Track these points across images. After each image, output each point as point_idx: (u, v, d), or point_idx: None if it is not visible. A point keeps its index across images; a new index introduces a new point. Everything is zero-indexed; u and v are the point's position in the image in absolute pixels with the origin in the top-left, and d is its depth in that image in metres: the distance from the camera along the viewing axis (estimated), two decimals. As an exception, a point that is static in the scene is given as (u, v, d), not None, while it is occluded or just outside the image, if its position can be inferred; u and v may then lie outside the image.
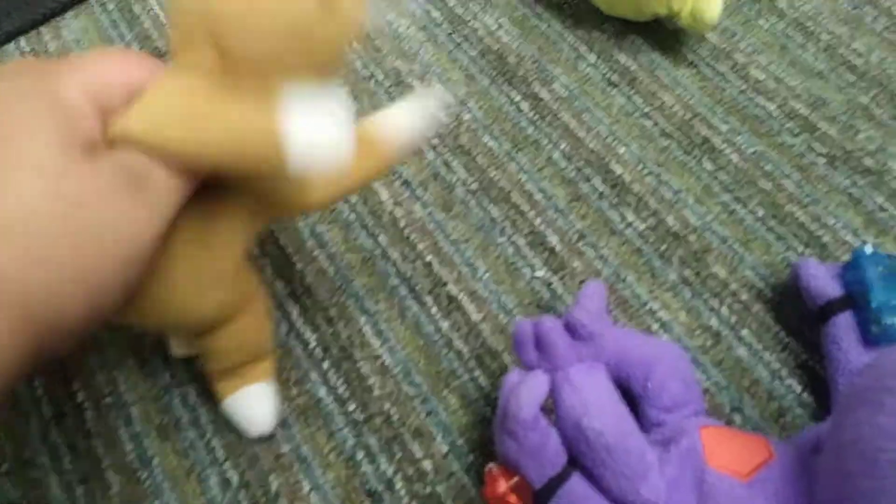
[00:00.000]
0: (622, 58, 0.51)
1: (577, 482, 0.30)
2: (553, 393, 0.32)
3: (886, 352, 0.30)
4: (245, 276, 0.32)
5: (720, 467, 0.31)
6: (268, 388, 0.35)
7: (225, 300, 0.30)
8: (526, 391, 0.31)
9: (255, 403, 0.35)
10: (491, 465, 0.31)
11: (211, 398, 0.36)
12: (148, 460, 0.35)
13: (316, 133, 0.26)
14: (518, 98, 0.49)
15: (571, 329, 0.33)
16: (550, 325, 0.33)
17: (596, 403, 0.31)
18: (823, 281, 0.38)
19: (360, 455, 0.35)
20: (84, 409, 0.36)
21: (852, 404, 0.29)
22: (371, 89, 0.49)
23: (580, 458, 0.30)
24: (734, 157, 0.46)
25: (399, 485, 0.35)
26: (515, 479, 0.31)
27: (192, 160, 0.25)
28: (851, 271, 0.37)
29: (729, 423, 0.37)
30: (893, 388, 0.27)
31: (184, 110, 0.25)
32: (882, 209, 0.44)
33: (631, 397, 0.34)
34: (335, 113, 0.27)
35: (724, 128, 0.48)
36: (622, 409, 0.31)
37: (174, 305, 0.29)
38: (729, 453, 0.31)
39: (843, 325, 0.36)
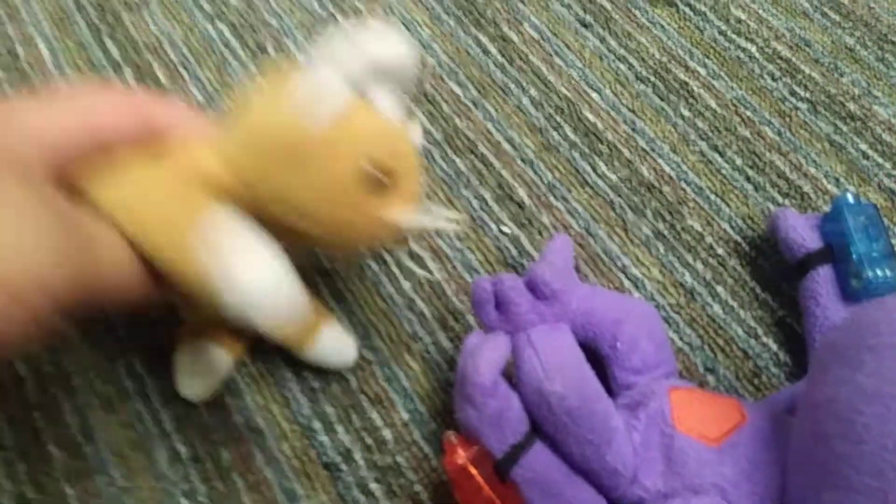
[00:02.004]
0: (593, 3, 0.48)
1: (540, 450, 0.29)
2: (514, 355, 0.30)
3: (867, 306, 0.28)
4: None
5: (689, 431, 0.29)
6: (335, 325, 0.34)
7: None
8: (484, 355, 0.29)
9: (336, 342, 0.34)
10: (449, 434, 0.30)
11: (159, 366, 0.34)
12: (91, 433, 0.33)
13: (256, 282, 0.24)
14: (486, 40, 0.46)
15: (533, 287, 0.31)
16: (511, 283, 0.31)
17: (558, 366, 0.29)
18: (802, 232, 0.36)
19: (316, 425, 0.34)
20: (23, 380, 0.34)
21: (829, 362, 0.27)
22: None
23: (543, 424, 0.29)
24: (712, 103, 0.44)
25: (357, 455, 0.33)
26: (475, 448, 0.29)
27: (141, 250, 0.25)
28: (831, 222, 0.35)
29: (702, 384, 0.35)
30: (875, 345, 0.25)
31: (158, 211, 0.25)
32: (865, 156, 0.42)
33: (599, 358, 0.33)
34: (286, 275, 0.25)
35: (702, 71, 0.45)
36: (586, 372, 0.30)
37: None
38: (698, 417, 0.30)
39: (822, 279, 0.35)
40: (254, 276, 0.24)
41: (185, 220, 0.25)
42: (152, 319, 0.35)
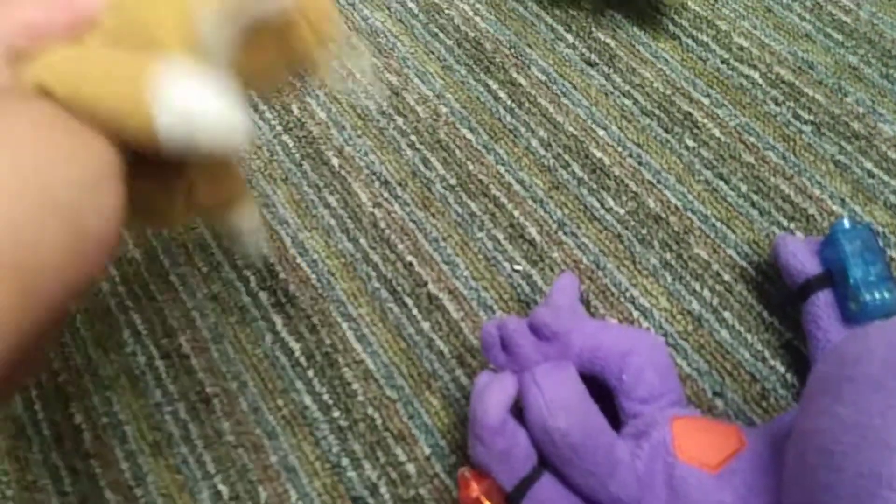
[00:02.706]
0: (601, 35, 0.50)
1: (547, 482, 0.31)
2: (521, 394, 0.32)
3: (850, 337, 0.29)
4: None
5: (689, 459, 0.31)
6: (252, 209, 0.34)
7: None
8: (492, 396, 0.32)
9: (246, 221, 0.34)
10: (463, 470, 0.32)
11: (200, 414, 0.38)
12: (143, 477, 0.36)
13: (189, 101, 0.24)
14: (495, 86, 0.49)
15: (537, 329, 0.33)
16: (514, 326, 0.33)
17: (560, 403, 0.31)
18: (802, 258, 0.37)
19: (345, 461, 0.36)
20: (81, 430, 0.38)
21: (814, 392, 0.29)
22: (349, 88, 0.49)
23: (549, 458, 0.31)
24: (716, 132, 0.45)
25: (383, 489, 0.35)
26: (487, 482, 0.31)
27: (81, 110, 0.24)
28: (829, 247, 0.36)
29: (711, 408, 0.37)
30: (853, 376, 0.27)
31: (77, 61, 0.24)
32: (871, 175, 0.43)
33: (607, 390, 0.34)
34: (214, 88, 0.24)
35: (705, 101, 0.47)
36: (589, 407, 0.32)
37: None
38: (698, 445, 0.31)
39: (823, 304, 0.36)
40: (199, 94, 0.24)
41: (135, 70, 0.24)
42: (193, 368, 0.39)
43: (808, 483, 0.27)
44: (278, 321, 0.41)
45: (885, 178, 0.43)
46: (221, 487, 0.36)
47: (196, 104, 0.24)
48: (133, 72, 0.24)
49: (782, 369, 0.38)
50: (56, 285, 0.22)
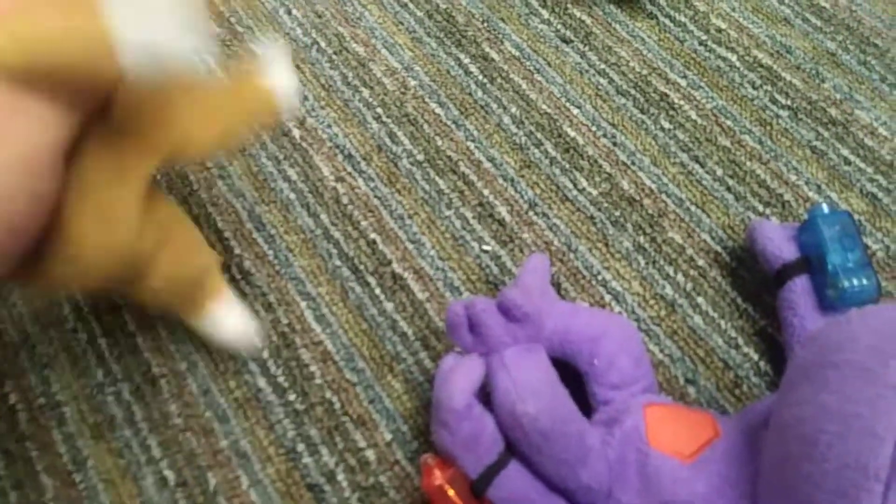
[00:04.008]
0: (577, 12, 0.49)
1: (514, 470, 0.29)
2: (489, 377, 0.30)
3: (834, 323, 0.28)
4: (155, 207, 0.30)
5: (663, 448, 0.30)
6: (230, 303, 0.35)
7: (137, 231, 0.28)
8: (458, 380, 0.30)
9: (225, 319, 0.34)
10: (426, 456, 0.30)
11: (145, 395, 0.35)
12: (82, 462, 0.34)
13: (149, 31, 0.23)
14: (467, 60, 0.47)
15: (506, 310, 0.31)
16: (483, 306, 0.31)
17: (530, 387, 0.29)
18: (779, 243, 0.36)
19: (300, 447, 0.34)
20: (16, 410, 0.35)
21: (795, 380, 0.27)
22: (313, 57, 0.47)
23: (517, 445, 0.29)
24: (692, 114, 0.44)
25: (341, 476, 0.34)
26: (451, 469, 0.30)
27: (37, 66, 0.23)
28: (807, 233, 0.35)
29: (683, 395, 0.35)
30: (837, 363, 0.26)
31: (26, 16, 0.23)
32: (847, 162, 0.42)
33: (578, 375, 0.33)
34: (173, 18, 0.24)
35: (682, 82, 0.46)
36: (560, 392, 0.30)
37: (90, 249, 0.27)
38: (672, 434, 0.30)
39: (800, 290, 0.35)
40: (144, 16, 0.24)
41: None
42: (139, 347, 0.36)
43: (788, 474, 0.25)
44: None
45: (862, 165, 0.42)
46: (167, 473, 0.34)
47: (153, 29, 0.23)
48: (83, 14, 0.23)
49: (756, 357, 0.37)
50: None
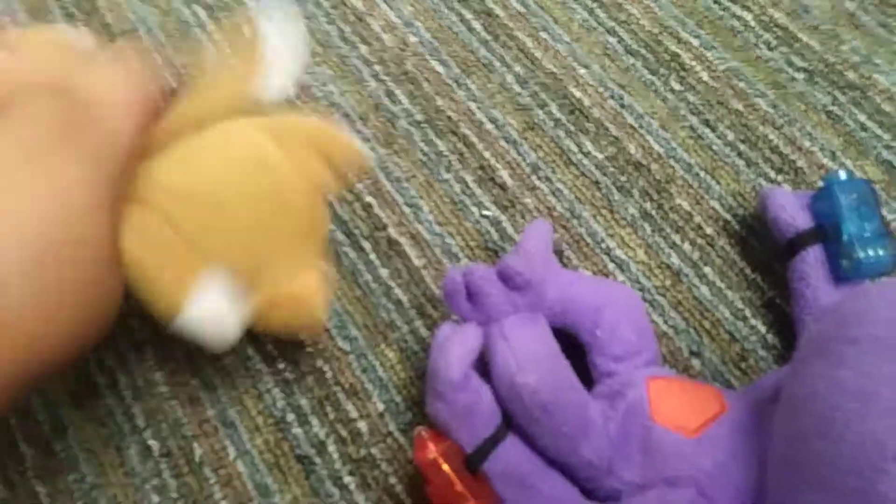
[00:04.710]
0: (584, -33, 0.46)
1: (512, 444, 0.28)
2: (487, 347, 0.29)
3: (850, 296, 0.27)
4: None
5: (667, 422, 0.28)
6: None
7: None
8: (454, 349, 0.29)
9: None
10: (420, 429, 0.29)
11: (129, 362, 0.34)
12: (63, 430, 0.33)
13: (211, 317, 0.28)
14: (469, 16, 0.45)
15: (506, 278, 0.30)
16: (482, 273, 0.30)
17: (531, 358, 0.28)
18: (792, 211, 0.34)
19: (290, 417, 0.33)
20: (-4, 376, 0.34)
21: (811, 355, 0.26)
22: (309, 11, 0.45)
23: (515, 418, 0.28)
24: (704, 75, 0.42)
25: (332, 448, 0.32)
26: (446, 443, 0.28)
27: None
28: (822, 200, 0.34)
29: (687, 368, 0.34)
30: (857, 338, 0.24)
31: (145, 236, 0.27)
32: (864, 128, 0.40)
33: (579, 346, 0.32)
34: (234, 308, 0.29)
35: (694, 42, 0.44)
36: (561, 364, 0.29)
37: None
38: (677, 407, 0.29)
39: (813, 260, 0.33)
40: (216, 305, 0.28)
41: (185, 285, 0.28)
42: (122, 312, 0.35)
43: (800, 452, 0.24)
44: (221, 262, 0.37)
45: (879, 131, 0.40)
46: (151, 442, 0.33)
47: (212, 321, 0.28)
48: (182, 276, 0.27)
49: (763, 329, 0.35)
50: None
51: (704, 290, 0.36)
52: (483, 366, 0.29)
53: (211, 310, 0.28)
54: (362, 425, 0.33)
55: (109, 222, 0.25)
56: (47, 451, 0.32)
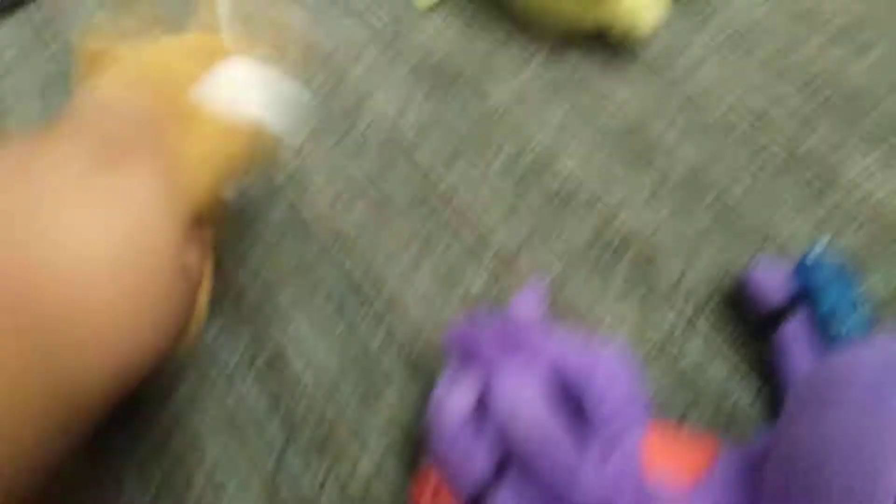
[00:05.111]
0: (566, 66, 0.50)
1: (507, 491, 0.28)
2: (484, 394, 0.30)
3: (834, 358, 0.28)
4: None
5: (660, 471, 0.29)
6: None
7: None
8: (453, 398, 0.29)
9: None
10: (418, 473, 0.29)
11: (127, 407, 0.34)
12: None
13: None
14: (467, 95, 0.47)
15: (501, 338, 0.31)
16: (480, 332, 0.31)
17: (525, 406, 0.29)
18: (771, 286, 0.36)
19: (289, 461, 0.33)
20: None
21: (794, 416, 0.27)
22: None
23: (510, 461, 0.28)
24: (688, 157, 0.45)
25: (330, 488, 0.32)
26: (443, 490, 0.29)
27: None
28: (800, 274, 0.35)
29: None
30: (839, 400, 0.25)
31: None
32: (837, 207, 0.43)
33: (569, 408, 0.32)
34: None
35: (671, 135, 0.46)
36: (552, 417, 0.29)
37: None
38: (670, 460, 0.29)
39: (793, 333, 0.35)
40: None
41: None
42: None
43: None
44: (219, 319, 0.37)
45: (855, 209, 0.42)
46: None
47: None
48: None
49: (750, 398, 0.36)
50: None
51: (692, 357, 0.37)
52: (482, 417, 0.29)
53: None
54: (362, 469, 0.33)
55: (177, 234, 0.26)
56: None
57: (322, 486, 0.33)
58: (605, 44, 0.50)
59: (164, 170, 0.26)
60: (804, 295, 0.35)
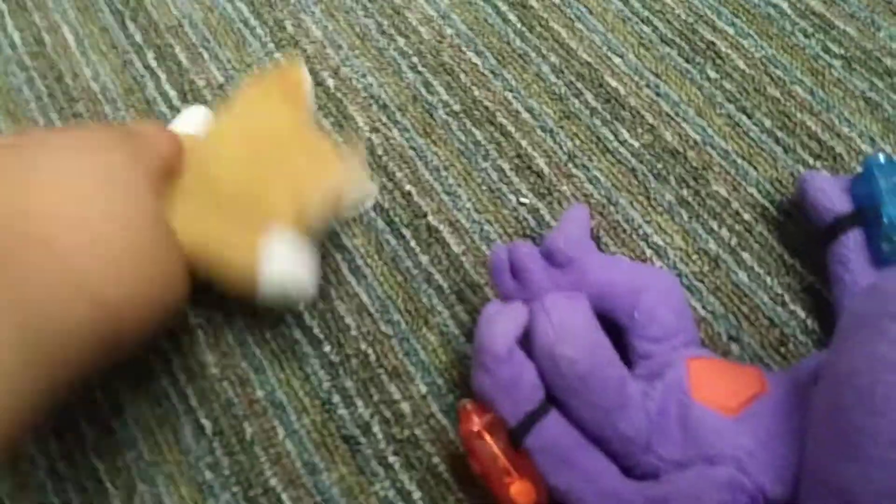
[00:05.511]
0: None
1: (554, 419, 0.29)
2: (530, 323, 0.30)
3: (889, 273, 0.27)
4: None
5: (707, 401, 0.29)
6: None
7: None
8: (500, 323, 0.29)
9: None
10: (465, 402, 0.30)
11: (182, 345, 0.35)
12: (120, 410, 0.34)
13: (287, 275, 0.30)
14: (505, 7, 0.45)
15: (549, 255, 0.31)
16: (526, 250, 0.31)
17: (571, 330, 0.29)
18: (831, 195, 0.34)
19: (336, 398, 0.34)
20: (55, 359, 0.35)
21: (852, 331, 0.26)
22: (347, 5, 0.46)
23: (555, 391, 0.29)
24: (740, 63, 0.42)
25: (376, 428, 0.33)
26: (490, 416, 0.29)
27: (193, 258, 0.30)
28: (862, 184, 0.34)
29: (726, 353, 0.34)
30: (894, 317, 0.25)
31: (199, 223, 0.30)
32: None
33: (618, 331, 0.32)
34: (306, 261, 0.31)
35: (730, 30, 0.44)
36: (600, 338, 0.29)
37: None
38: (717, 386, 0.29)
39: (852, 244, 0.33)
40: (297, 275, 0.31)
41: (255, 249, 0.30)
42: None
43: (840, 426, 0.24)
44: (267, 250, 0.38)
45: (918, 116, 0.40)
46: (204, 422, 0.34)
47: (289, 277, 0.30)
48: (248, 242, 0.30)
49: (803, 314, 0.35)
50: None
51: (743, 275, 0.36)
52: (528, 345, 0.29)
53: (286, 260, 0.30)
54: (405, 407, 0.34)
55: (147, 189, 0.28)
56: (106, 430, 0.34)
57: (367, 424, 0.34)
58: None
59: (155, 175, 0.29)
60: (864, 205, 0.33)
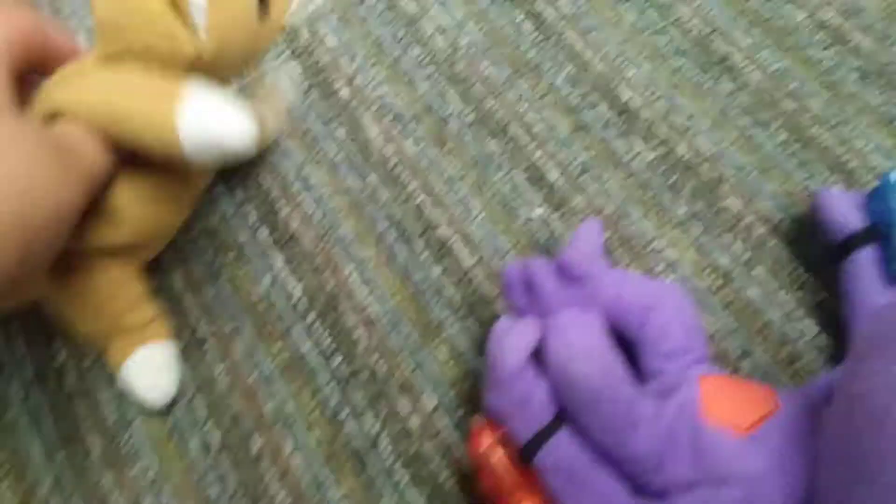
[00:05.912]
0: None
1: (564, 437, 0.28)
2: (542, 339, 0.30)
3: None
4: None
5: (718, 420, 0.29)
6: (165, 350, 0.34)
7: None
8: (512, 339, 0.29)
9: (152, 367, 0.33)
10: (476, 418, 0.30)
11: (191, 357, 0.35)
12: (128, 422, 0.34)
13: (210, 123, 0.27)
14: (520, 18, 0.45)
15: (563, 271, 0.30)
16: (539, 266, 0.31)
17: (583, 347, 0.28)
18: (845, 212, 0.34)
19: (344, 413, 0.34)
20: (65, 369, 0.36)
21: (865, 353, 0.26)
22: (360, 15, 0.46)
23: (567, 408, 0.28)
24: (755, 76, 0.42)
25: (384, 443, 0.33)
26: (500, 432, 0.29)
27: (103, 129, 0.27)
28: (876, 201, 0.33)
29: (737, 370, 0.34)
30: (911, 339, 0.24)
31: (99, 83, 0.27)
32: (917, 129, 0.40)
33: (629, 347, 0.32)
34: (234, 107, 0.27)
35: (745, 42, 0.43)
36: (613, 356, 0.29)
37: None
38: (729, 405, 0.29)
39: (865, 262, 0.33)
40: (235, 126, 0.27)
41: (167, 97, 0.27)
42: (185, 309, 0.36)
43: (853, 448, 0.24)
44: (278, 261, 0.38)
45: (935, 131, 0.40)
46: (212, 436, 0.34)
47: (214, 120, 0.27)
48: (157, 94, 0.27)
49: (815, 330, 0.35)
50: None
51: (755, 290, 0.36)
52: (540, 361, 0.29)
53: (203, 107, 0.27)
54: (414, 421, 0.34)
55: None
56: (113, 441, 0.34)
57: (376, 439, 0.34)
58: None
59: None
60: (878, 222, 0.33)
